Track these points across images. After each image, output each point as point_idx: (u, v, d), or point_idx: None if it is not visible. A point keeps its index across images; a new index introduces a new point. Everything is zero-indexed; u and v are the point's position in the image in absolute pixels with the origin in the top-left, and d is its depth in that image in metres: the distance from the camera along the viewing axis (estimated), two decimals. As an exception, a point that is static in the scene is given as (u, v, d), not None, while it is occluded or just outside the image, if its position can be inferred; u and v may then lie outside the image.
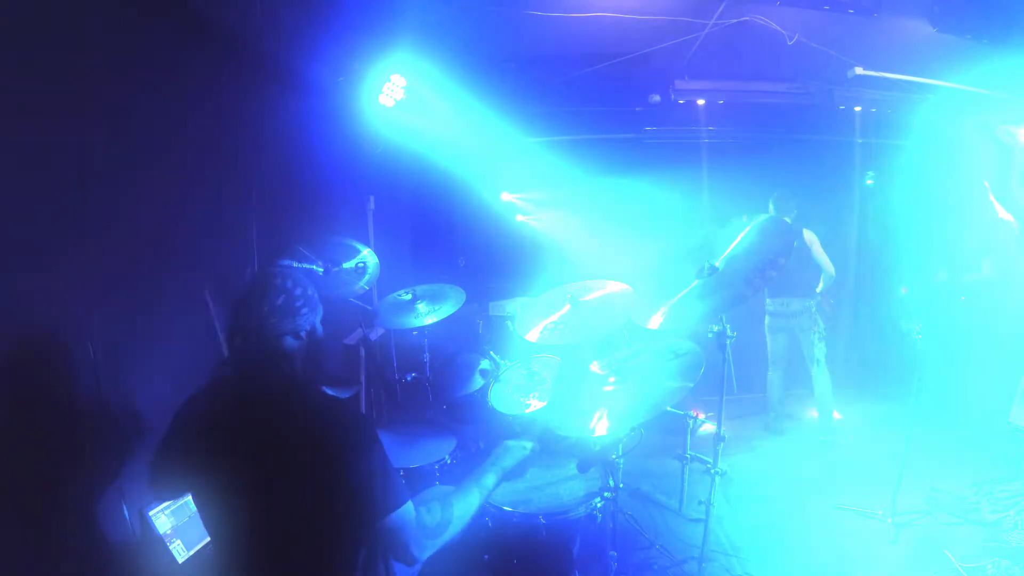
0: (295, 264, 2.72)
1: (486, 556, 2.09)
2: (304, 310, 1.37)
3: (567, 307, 2.71)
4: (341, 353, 3.43)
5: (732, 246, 2.19)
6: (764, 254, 2.06)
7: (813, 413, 4.34)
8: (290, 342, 1.35)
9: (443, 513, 1.38)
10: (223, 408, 1.32)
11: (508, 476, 1.61)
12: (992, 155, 4.19)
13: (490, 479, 1.55)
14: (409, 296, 3.04)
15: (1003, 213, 3.88)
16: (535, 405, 2.51)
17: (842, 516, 3.16)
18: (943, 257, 4.06)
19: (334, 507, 1.25)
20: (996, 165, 4.02)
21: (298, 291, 1.37)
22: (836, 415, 4.34)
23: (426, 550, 1.32)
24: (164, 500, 1.81)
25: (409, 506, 1.30)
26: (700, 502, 2.56)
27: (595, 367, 2.20)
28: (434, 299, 3.05)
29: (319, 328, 1.43)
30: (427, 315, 2.95)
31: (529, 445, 1.67)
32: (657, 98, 4.47)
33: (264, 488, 1.25)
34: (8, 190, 1.55)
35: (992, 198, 3.92)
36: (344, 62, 3.29)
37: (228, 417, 1.30)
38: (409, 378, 3.05)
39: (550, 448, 1.77)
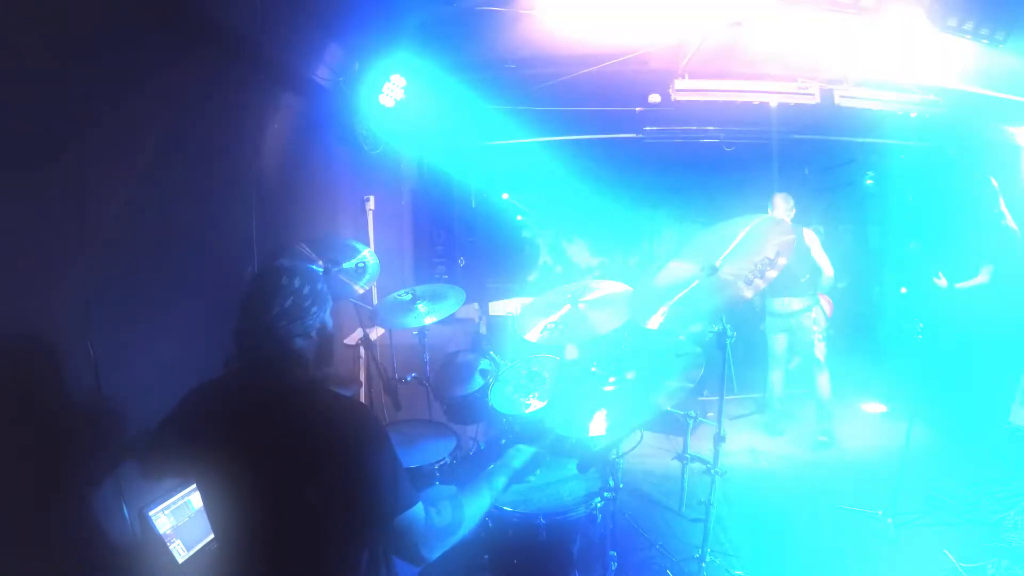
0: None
1: (486, 556, 2.09)
2: (314, 309, 1.35)
3: (567, 307, 2.71)
4: (341, 353, 3.44)
5: (732, 246, 2.19)
6: (764, 254, 2.06)
7: (813, 413, 4.34)
8: (301, 342, 1.34)
9: (453, 514, 1.37)
10: (236, 403, 1.31)
11: (516, 479, 1.62)
12: (998, 157, 4.19)
13: (501, 481, 1.54)
14: (409, 296, 3.04)
15: (1010, 220, 3.87)
16: (535, 405, 2.51)
17: (842, 516, 3.16)
18: (942, 261, 4.05)
19: (344, 507, 1.24)
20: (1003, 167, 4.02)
21: (307, 289, 1.34)
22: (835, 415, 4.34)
23: (435, 551, 1.32)
24: (152, 480, 1.73)
25: (419, 507, 1.29)
26: (700, 502, 2.56)
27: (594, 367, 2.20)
28: (434, 299, 3.04)
29: (329, 322, 1.41)
30: (427, 315, 2.95)
31: (537, 448, 1.67)
32: (657, 98, 4.46)
33: (273, 486, 1.24)
34: (7, 191, 1.55)
35: (1001, 200, 3.91)
36: (344, 62, 3.29)
37: (240, 412, 1.29)
38: (409, 378, 3.05)
39: (551, 448, 1.78)
